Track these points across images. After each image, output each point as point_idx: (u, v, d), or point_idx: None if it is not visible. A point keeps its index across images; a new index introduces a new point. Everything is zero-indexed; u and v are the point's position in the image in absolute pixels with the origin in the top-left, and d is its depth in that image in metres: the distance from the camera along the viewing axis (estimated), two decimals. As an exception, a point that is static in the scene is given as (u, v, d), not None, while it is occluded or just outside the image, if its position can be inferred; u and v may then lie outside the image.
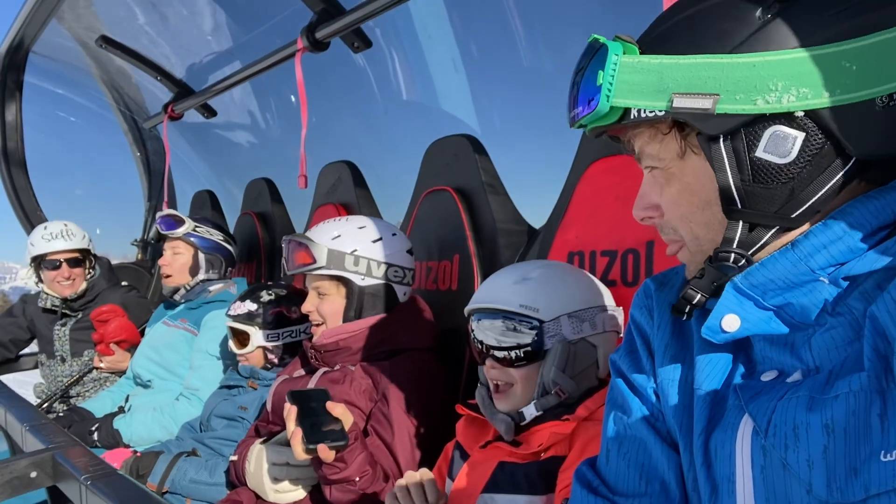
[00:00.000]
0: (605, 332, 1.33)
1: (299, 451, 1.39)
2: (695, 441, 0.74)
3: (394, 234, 1.83)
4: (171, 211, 2.74)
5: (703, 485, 0.73)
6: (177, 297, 2.68)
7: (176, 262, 2.67)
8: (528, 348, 1.28)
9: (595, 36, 0.72)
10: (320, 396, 1.46)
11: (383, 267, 1.76)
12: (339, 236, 1.76)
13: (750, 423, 0.68)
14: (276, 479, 1.61)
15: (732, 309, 0.69)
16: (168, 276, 2.68)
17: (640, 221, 0.80)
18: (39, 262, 2.99)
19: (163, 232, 2.64)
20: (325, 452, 1.39)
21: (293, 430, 1.40)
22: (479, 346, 1.34)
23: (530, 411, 1.27)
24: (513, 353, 1.28)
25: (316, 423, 1.40)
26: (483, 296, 1.35)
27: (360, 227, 1.79)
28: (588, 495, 0.83)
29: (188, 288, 2.67)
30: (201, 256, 2.69)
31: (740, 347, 0.77)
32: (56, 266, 2.97)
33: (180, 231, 2.65)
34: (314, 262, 1.73)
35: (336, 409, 1.45)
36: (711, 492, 0.72)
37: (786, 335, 0.70)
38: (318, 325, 1.80)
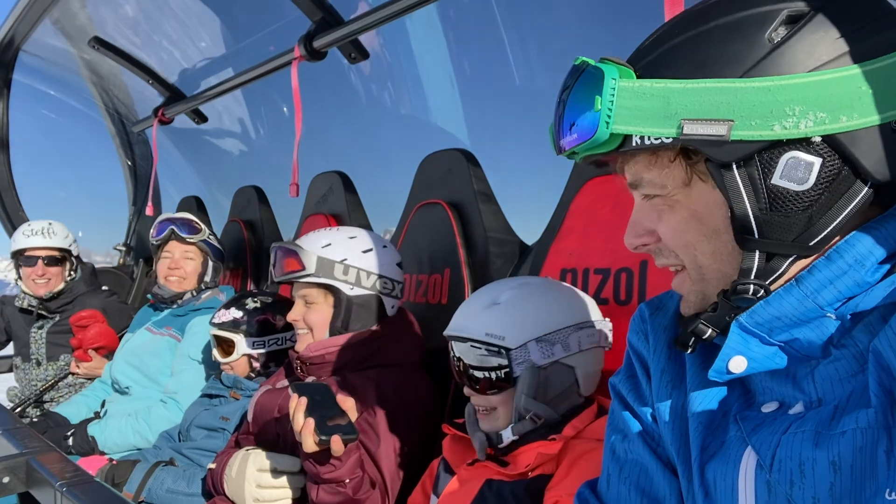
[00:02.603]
0: (583, 352, 1.31)
1: (310, 442, 1.36)
2: (693, 469, 0.73)
3: (384, 246, 1.82)
4: (189, 216, 2.72)
5: None
6: (179, 303, 2.63)
7: (188, 267, 2.63)
8: (499, 374, 1.27)
9: (582, 58, 0.70)
10: (323, 391, 1.44)
11: (373, 278, 1.75)
12: (329, 245, 1.74)
13: (753, 456, 0.67)
14: (259, 487, 1.57)
15: (739, 350, 0.68)
16: (182, 280, 2.63)
17: (632, 250, 0.77)
18: (18, 258, 2.96)
19: (181, 235, 2.61)
20: (338, 444, 1.36)
21: (304, 422, 1.36)
22: (458, 367, 1.33)
23: (507, 435, 1.26)
24: (486, 376, 1.28)
25: (324, 415, 1.38)
26: (455, 322, 1.34)
27: (351, 237, 1.78)
28: None
29: (194, 294, 2.63)
30: (210, 264, 2.68)
31: (738, 378, 0.76)
32: (32, 263, 2.94)
33: (198, 237, 2.63)
34: (303, 269, 1.70)
35: (346, 402, 1.42)
36: None
37: (787, 367, 0.69)
38: (303, 334, 1.77)
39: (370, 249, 1.77)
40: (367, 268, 1.74)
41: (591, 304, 1.38)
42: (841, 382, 0.65)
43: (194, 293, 2.64)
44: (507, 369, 1.26)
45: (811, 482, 0.61)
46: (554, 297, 1.35)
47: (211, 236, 2.71)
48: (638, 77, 0.65)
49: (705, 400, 0.75)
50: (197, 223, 2.67)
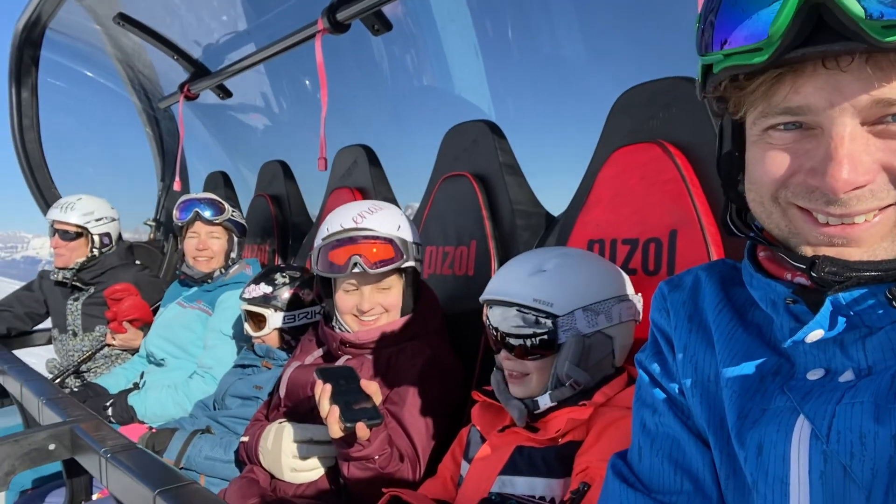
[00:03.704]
0: (622, 323, 1.33)
1: (336, 429, 1.39)
2: (732, 437, 0.73)
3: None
4: (212, 196, 2.76)
5: (747, 483, 0.72)
6: (210, 280, 2.68)
7: (215, 247, 2.70)
8: (543, 340, 1.27)
9: None
10: (348, 374, 1.47)
11: (421, 251, 1.81)
12: (400, 226, 1.75)
13: (807, 426, 0.66)
14: (296, 458, 1.62)
15: (822, 324, 0.66)
16: (210, 259, 2.69)
17: (844, 192, 0.61)
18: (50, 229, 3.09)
19: (208, 218, 2.65)
20: (363, 430, 1.39)
21: (329, 409, 1.39)
22: (495, 334, 1.34)
23: (544, 401, 1.27)
24: (528, 342, 1.28)
25: (349, 401, 1.40)
26: (498, 287, 1.34)
27: (402, 214, 1.81)
28: (627, 489, 0.83)
29: (223, 271, 2.69)
30: (235, 240, 2.75)
31: (765, 341, 0.76)
32: (52, 234, 3.05)
33: (223, 217, 2.68)
34: (404, 257, 1.70)
35: (370, 387, 1.45)
36: (752, 490, 0.71)
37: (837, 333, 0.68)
38: (375, 318, 1.73)
39: (411, 222, 1.81)
40: (418, 240, 1.80)
41: (626, 278, 1.40)
42: (893, 351, 0.64)
43: (222, 270, 2.70)
44: (549, 336, 1.27)
45: (871, 455, 0.61)
46: (598, 269, 1.37)
47: (234, 213, 2.75)
48: None
49: (739, 367, 0.75)
50: (221, 203, 2.71)
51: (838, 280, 0.64)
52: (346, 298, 1.73)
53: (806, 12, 0.57)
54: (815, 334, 0.66)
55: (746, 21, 0.60)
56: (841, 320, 0.65)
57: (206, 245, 2.68)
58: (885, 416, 0.61)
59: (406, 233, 1.74)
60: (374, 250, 1.68)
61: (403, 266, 1.71)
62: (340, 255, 1.68)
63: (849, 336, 0.67)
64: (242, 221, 2.81)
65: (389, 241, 1.68)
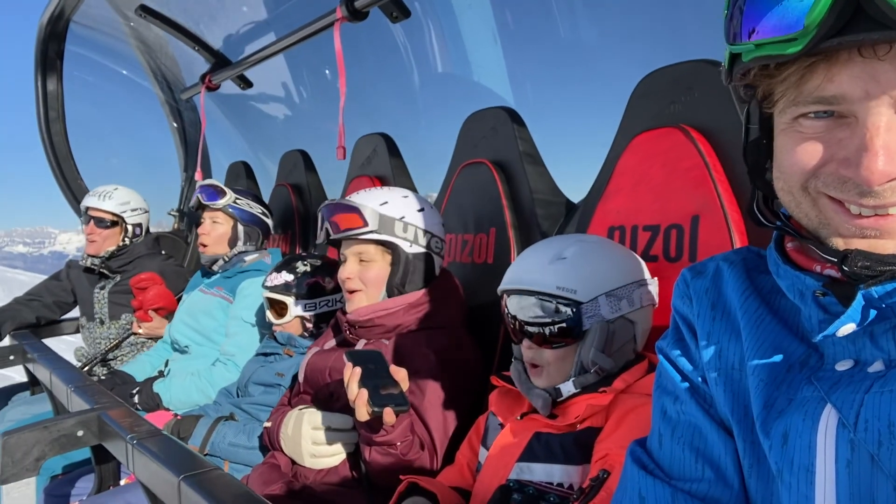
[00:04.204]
0: (642, 308, 1.33)
1: (363, 412, 1.39)
2: (757, 426, 0.72)
3: (432, 207, 1.84)
4: (213, 181, 2.78)
5: (772, 472, 0.71)
6: (215, 267, 2.72)
7: (214, 232, 2.71)
8: (566, 329, 1.27)
9: None
10: (377, 358, 1.47)
11: (427, 236, 1.77)
12: (387, 203, 1.75)
13: (835, 414, 0.65)
14: (315, 444, 1.63)
15: (854, 318, 0.65)
16: (205, 246, 2.72)
17: (879, 184, 0.60)
18: (84, 215, 3.16)
19: (204, 202, 2.68)
20: (390, 416, 1.40)
21: (358, 392, 1.39)
22: (514, 324, 1.33)
23: (568, 388, 1.27)
24: (547, 330, 1.28)
25: (378, 385, 1.41)
26: (518, 276, 1.34)
27: (405, 196, 1.80)
28: (645, 476, 0.82)
29: (226, 259, 2.71)
30: (240, 228, 2.74)
31: (792, 331, 0.74)
32: (87, 221, 3.12)
33: (221, 202, 2.70)
34: (365, 225, 1.71)
35: (399, 372, 1.45)
36: (776, 479, 0.70)
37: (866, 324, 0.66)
38: (353, 293, 1.78)
39: (423, 209, 1.79)
40: (422, 226, 1.76)
41: (642, 263, 1.39)
42: None
43: (226, 258, 2.71)
44: (571, 323, 1.26)
45: None
46: (617, 254, 1.36)
47: (238, 200, 2.74)
48: None
49: (766, 356, 0.74)
50: (220, 188, 2.72)
51: (872, 274, 0.63)
52: (339, 270, 1.81)
53: (844, 2, 0.55)
54: (847, 328, 0.65)
55: (779, 9, 0.59)
56: (872, 312, 0.64)
57: (206, 230, 2.72)
58: None
59: (391, 209, 1.73)
60: (342, 218, 1.73)
61: (380, 240, 1.72)
62: (322, 224, 1.80)
63: (879, 327, 0.65)
64: (253, 210, 2.78)
65: (355, 209, 1.71)
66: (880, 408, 0.62)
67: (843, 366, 0.68)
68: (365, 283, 1.76)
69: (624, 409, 1.19)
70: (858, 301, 0.63)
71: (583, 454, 1.20)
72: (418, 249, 1.76)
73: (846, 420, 0.64)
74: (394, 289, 1.75)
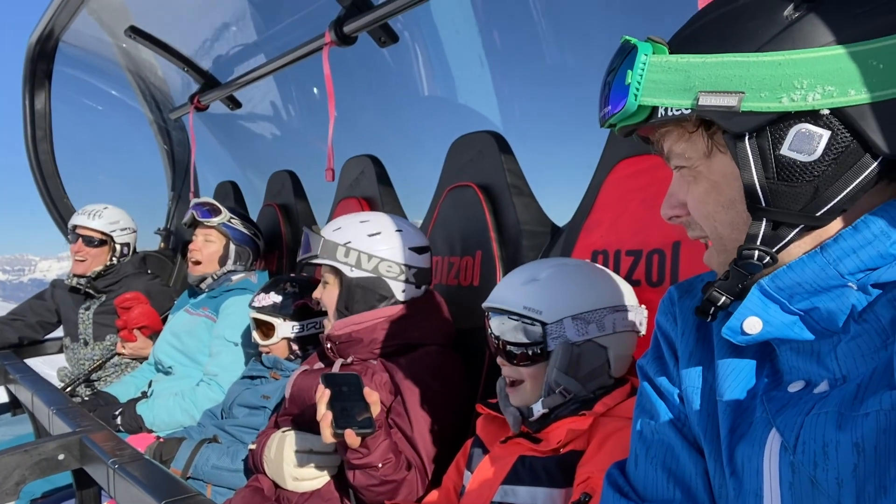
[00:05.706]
0: (617, 333, 1.32)
1: (328, 434, 1.41)
2: (722, 450, 0.74)
3: (398, 230, 1.82)
4: (209, 200, 2.78)
5: (731, 496, 0.72)
6: (203, 286, 2.71)
7: (206, 250, 2.71)
8: (532, 346, 1.30)
9: (626, 37, 0.73)
10: (352, 381, 1.48)
11: (374, 261, 1.77)
12: (339, 228, 1.81)
13: (778, 437, 0.67)
14: (297, 466, 1.63)
15: (755, 311, 0.69)
16: (197, 263, 2.71)
17: (667, 220, 0.81)
18: (70, 234, 3.14)
19: (198, 219, 2.68)
20: (352, 438, 1.41)
21: (323, 413, 1.42)
22: (495, 341, 1.37)
23: (537, 408, 1.29)
24: (516, 349, 1.32)
25: (346, 407, 1.42)
26: (494, 294, 1.38)
27: (363, 222, 1.82)
28: (620, 499, 0.83)
29: (215, 277, 2.70)
30: (232, 247, 2.75)
31: (765, 356, 0.76)
32: (75, 239, 3.09)
33: (216, 220, 2.70)
34: (311, 251, 1.79)
35: (371, 396, 1.47)
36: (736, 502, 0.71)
37: (811, 343, 0.69)
38: (326, 314, 1.86)
39: (377, 234, 1.80)
40: (368, 251, 1.77)
41: (628, 289, 1.40)
42: (864, 358, 0.65)
43: (215, 276, 2.70)
44: (538, 343, 1.29)
45: (835, 464, 0.61)
46: (592, 278, 1.38)
47: (233, 220, 2.75)
48: (670, 53, 0.69)
49: (735, 381, 0.76)
50: (216, 206, 2.73)
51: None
52: None
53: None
54: (751, 322, 0.70)
55: None
56: (769, 303, 0.69)
57: (197, 247, 2.71)
58: (847, 424, 0.62)
59: (339, 235, 1.79)
60: (306, 242, 1.83)
61: (320, 263, 1.81)
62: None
63: (824, 345, 0.68)
64: (246, 231, 2.80)
65: (307, 237, 1.81)
66: (815, 429, 0.64)
67: (794, 387, 0.70)
68: (324, 304, 1.84)
69: (605, 433, 1.20)
70: (752, 293, 0.70)
71: (566, 477, 1.20)
72: (361, 274, 1.77)
73: (787, 443, 0.66)
74: (340, 312, 1.80)
